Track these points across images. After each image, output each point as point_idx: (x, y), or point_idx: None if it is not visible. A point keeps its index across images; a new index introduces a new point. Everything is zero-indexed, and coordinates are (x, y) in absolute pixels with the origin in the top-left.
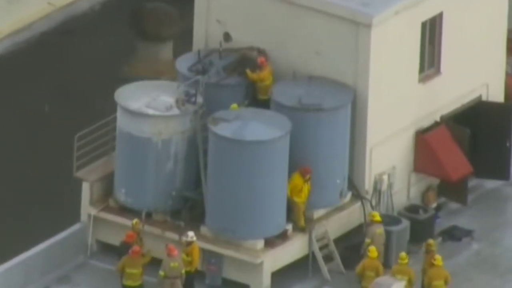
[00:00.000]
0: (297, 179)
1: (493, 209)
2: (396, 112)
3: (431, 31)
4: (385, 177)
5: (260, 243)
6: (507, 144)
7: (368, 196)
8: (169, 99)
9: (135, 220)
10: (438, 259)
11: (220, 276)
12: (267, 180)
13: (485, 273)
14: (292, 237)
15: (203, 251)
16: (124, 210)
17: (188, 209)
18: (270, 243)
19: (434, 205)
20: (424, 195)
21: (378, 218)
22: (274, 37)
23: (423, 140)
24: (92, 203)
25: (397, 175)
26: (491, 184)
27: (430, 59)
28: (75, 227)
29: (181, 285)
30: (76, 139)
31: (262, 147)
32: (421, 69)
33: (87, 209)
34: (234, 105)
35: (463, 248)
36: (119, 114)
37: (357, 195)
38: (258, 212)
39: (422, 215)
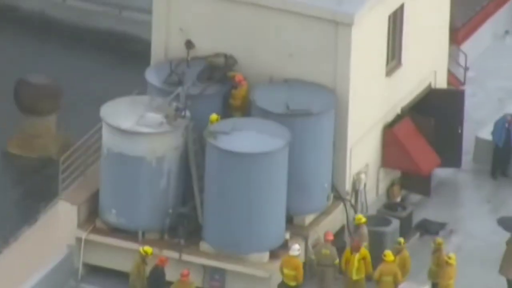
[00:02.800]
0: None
1: (453, 198)
2: (369, 109)
3: (394, 23)
4: (363, 176)
5: (265, 256)
6: (459, 131)
7: (348, 197)
8: (157, 115)
9: (146, 248)
10: (453, 258)
11: None
12: (271, 191)
13: (476, 267)
14: (291, 247)
15: (206, 268)
16: (114, 231)
17: (185, 225)
18: (274, 254)
19: (399, 199)
20: (389, 189)
21: (363, 220)
22: (242, 42)
23: (392, 134)
24: (79, 225)
25: (369, 172)
26: (442, 172)
27: (392, 51)
28: (64, 251)
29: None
30: (61, 162)
31: (268, 158)
32: (386, 62)
33: (75, 232)
34: (214, 116)
35: (444, 243)
36: (107, 134)
37: (338, 197)
38: (262, 225)
39: (402, 213)
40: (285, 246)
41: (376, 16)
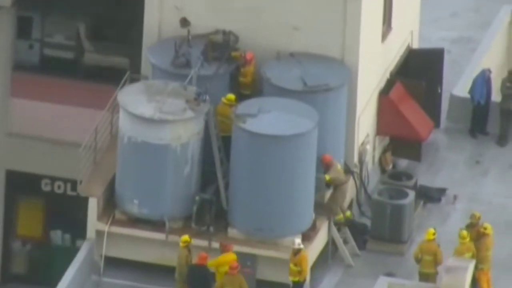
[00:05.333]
0: None
1: (440, 161)
2: (370, 77)
3: None
4: (368, 147)
5: (298, 239)
6: (439, 90)
7: (356, 169)
8: (178, 101)
9: (183, 237)
10: (489, 227)
11: (255, 278)
12: (302, 172)
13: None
14: (319, 227)
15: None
16: (136, 221)
17: (212, 211)
18: (305, 237)
19: (390, 166)
20: (381, 157)
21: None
22: (243, 17)
23: (389, 100)
24: (98, 218)
25: (370, 142)
26: None
27: (384, 16)
28: (85, 245)
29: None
30: (80, 152)
31: (300, 139)
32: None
33: (95, 225)
34: (232, 96)
35: (449, 210)
36: (128, 123)
37: (347, 170)
38: (295, 207)
39: (408, 182)
40: (314, 226)
41: None
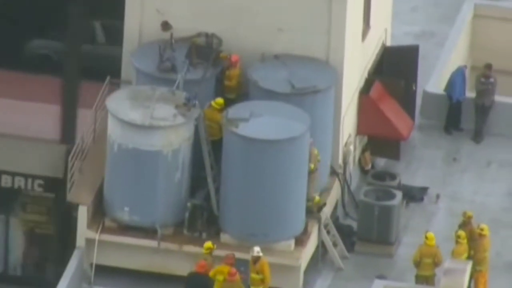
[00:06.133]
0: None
1: (417, 159)
2: (352, 77)
3: None
4: (351, 147)
5: (292, 244)
6: (413, 88)
7: (341, 171)
8: (168, 107)
9: (206, 245)
10: (486, 228)
11: (248, 283)
12: (296, 176)
13: None
14: (311, 231)
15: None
16: (126, 229)
17: (203, 217)
18: (299, 241)
19: (370, 165)
20: (360, 157)
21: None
22: (226, 19)
23: (370, 100)
24: (88, 226)
25: (352, 142)
26: None
27: (363, 15)
28: (75, 254)
29: None
30: (69, 160)
31: (294, 143)
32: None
33: (84, 233)
34: (220, 100)
35: (433, 209)
36: (119, 129)
37: (332, 172)
38: (288, 212)
39: (393, 182)
40: (306, 231)
41: None
